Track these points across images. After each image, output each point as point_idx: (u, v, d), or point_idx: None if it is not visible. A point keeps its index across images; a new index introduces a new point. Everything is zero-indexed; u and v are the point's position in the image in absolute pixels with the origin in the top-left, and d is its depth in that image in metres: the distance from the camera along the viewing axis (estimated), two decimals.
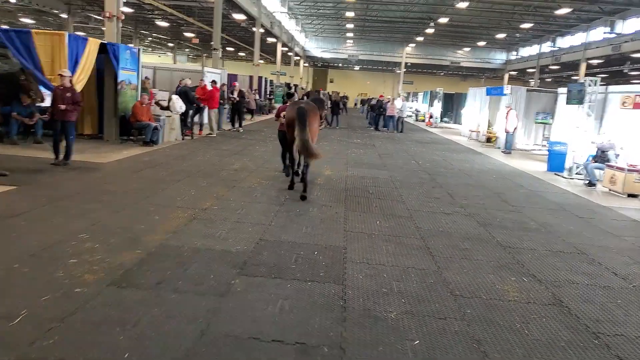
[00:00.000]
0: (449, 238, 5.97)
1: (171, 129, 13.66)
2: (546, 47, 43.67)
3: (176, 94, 14.42)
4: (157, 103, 15.26)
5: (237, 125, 18.06)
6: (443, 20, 36.82)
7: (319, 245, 5.27)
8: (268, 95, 35.28)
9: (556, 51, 41.90)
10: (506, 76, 55.06)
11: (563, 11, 30.74)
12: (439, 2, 33.73)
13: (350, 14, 38.71)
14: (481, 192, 9.38)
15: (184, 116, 14.57)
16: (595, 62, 39.05)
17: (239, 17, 30.55)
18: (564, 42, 41.08)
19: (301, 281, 4.27)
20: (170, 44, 52.66)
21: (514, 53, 53.30)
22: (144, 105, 12.22)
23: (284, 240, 5.40)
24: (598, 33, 34.77)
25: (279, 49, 40.34)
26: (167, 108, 14.04)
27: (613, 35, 32.47)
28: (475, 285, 4.47)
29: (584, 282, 4.78)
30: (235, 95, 18.13)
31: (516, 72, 55.84)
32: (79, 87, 10.32)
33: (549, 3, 30.10)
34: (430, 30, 42.55)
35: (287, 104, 8.94)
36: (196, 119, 16.19)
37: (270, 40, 40.63)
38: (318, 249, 5.16)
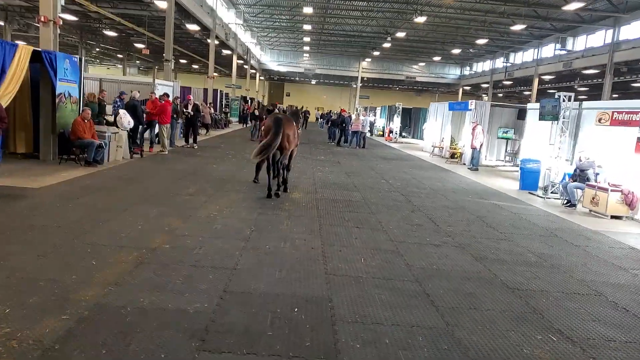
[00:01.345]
0: (447, 279, 5.10)
1: (118, 146, 12.29)
2: (499, 62, 44.62)
3: (123, 108, 13.10)
4: (102, 117, 13.90)
5: (191, 141, 16.80)
6: (400, 34, 36.89)
7: (299, 297, 4.26)
8: (224, 109, 34.02)
9: (509, 67, 42.86)
10: (460, 91, 56.12)
11: (517, 27, 31.32)
12: (396, 17, 33.69)
13: (307, 27, 38.13)
14: (462, 215, 8.65)
15: (132, 132, 13.24)
16: (547, 77, 40.19)
17: (192, 27, 29.23)
18: (517, 58, 42.12)
19: (283, 358, 3.25)
20: (120, 55, 50.30)
21: (468, 68, 54.36)
22: (87, 120, 10.85)
23: (255, 290, 4.35)
24: (550, 49, 35.75)
25: (235, 61, 39.18)
26: (114, 123, 12.70)
27: (564, 52, 33.43)
28: (499, 351, 3.58)
29: (620, 338, 4.01)
30: (190, 109, 16.89)
31: (470, 87, 56.97)
32: (5, 101, 8.91)
33: (504, 19, 30.55)
34: (386, 45, 42.62)
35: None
36: (146, 134, 14.85)
37: (226, 52, 39.41)
38: (298, 302, 4.15)
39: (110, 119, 13.42)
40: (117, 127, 12.44)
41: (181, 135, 17.32)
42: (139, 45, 37.77)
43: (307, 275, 4.83)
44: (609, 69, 29.29)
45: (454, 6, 28.96)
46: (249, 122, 26.71)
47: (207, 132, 23.13)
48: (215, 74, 33.72)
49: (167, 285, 4.29)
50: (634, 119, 10.10)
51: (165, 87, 17.82)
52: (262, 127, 9.49)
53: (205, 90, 31.11)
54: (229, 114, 34.55)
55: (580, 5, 25.03)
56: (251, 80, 50.14)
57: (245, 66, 46.14)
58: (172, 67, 23.78)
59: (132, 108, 13.47)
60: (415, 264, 5.50)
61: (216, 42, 31.85)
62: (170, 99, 15.46)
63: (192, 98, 17.96)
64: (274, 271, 4.88)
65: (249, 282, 4.54)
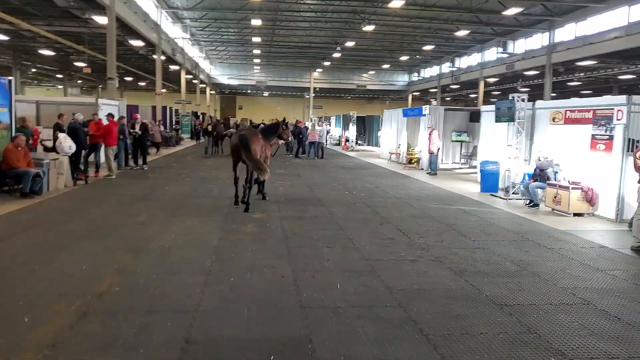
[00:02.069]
0: (431, 300, 4.71)
1: (59, 174, 11.31)
2: (446, 67, 45.73)
3: (63, 132, 12.15)
4: (41, 143, 12.84)
5: (140, 162, 15.89)
6: (349, 44, 37.06)
7: (274, 341, 3.73)
8: (174, 126, 32.92)
9: (455, 71, 43.96)
10: (410, 97, 57.13)
11: (461, 33, 32.12)
12: (345, 27, 33.79)
13: (256, 40, 37.65)
14: (432, 225, 8.37)
15: (75, 157, 12.28)
16: (491, 80, 41.45)
17: (136, 43, 28.14)
18: (462, 62, 43.26)
19: None
20: (60, 75, 47.92)
21: (416, 74, 55.47)
22: (20, 148, 9.88)
23: (222, 337, 3.79)
24: (492, 53, 36.88)
25: (183, 76, 38.13)
26: (54, 149, 11.72)
27: (506, 55, 34.57)
28: None
29: (623, 353, 3.71)
30: (138, 128, 15.98)
31: (419, 93, 58.12)
32: None
33: (448, 25, 31.25)
34: (336, 55, 42.77)
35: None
36: (91, 158, 13.87)
37: (173, 67, 38.29)
38: (274, 348, 3.62)
39: (49, 144, 12.40)
40: (57, 152, 11.50)
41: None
42: (80, 64, 36.05)
43: (280, 311, 4.31)
44: (548, 69, 30.49)
45: (400, 14, 29.30)
46: (202, 138, 25.80)
47: (157, 152, 22.13)
48: (163, 90, 32.65)
49: (117, 341, 3.64)
50: (586, 117, 10.20)
51: (109, 106, 16.84)
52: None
53: (154, 107, 29.97)
54: (180, 130, 33.46)
55: (518, 10, 25.90)
56: (201, 95, 49.06)
57: (195, 81, 45.07)
58: (117, 86, 22.65)
59: (73, 131, 12.53)
60: (395, 286, 5.09)
61: (163, 57, 30.84)
62: (116, 118, 14.56)
63: (139, 117, 17.04)
64: (242, 309, 4.32)
65: (214, 326, 3.97)
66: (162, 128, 25.78)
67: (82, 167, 12.81)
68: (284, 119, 10.84)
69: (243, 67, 54.04)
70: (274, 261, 5.83)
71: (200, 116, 39.90)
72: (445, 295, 4.86)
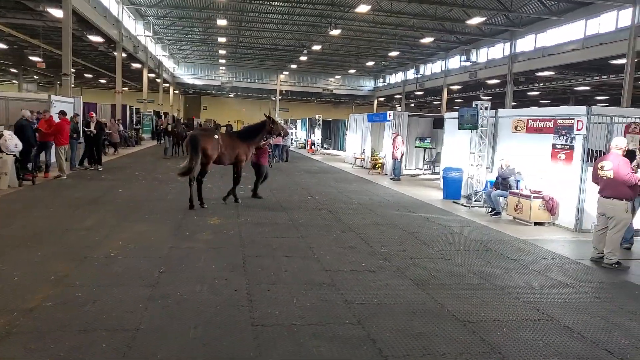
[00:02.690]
0: (391, 316, 4.48)
1: (2, 173, 10.59)
2: (411, 74, 46.26)
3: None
4: None
5: (94, 162, 15.16)
6: (316, 47, 36.93)
7: None
8: (135, 126, 31.91)
9: (420, 78, 44.58)
10: (375, 102, 57.54)
11: (426, 40, 32.49)
12: (311, 30, 33.63)
13: (222, 40, 36.98)
14: (395, 233, 8.19)
15: (22, 156, 11.54)
16: (455, 87, 42.18)
17: (95, 39, 27.02)
18: (427, 69, 43.88)
19: None
20: (14, 70, 45.73)
21: (382, 80, 55.93)
22: None
23: None
24: (456, 61, 37.58)
25: (145, 75, 37.01)
26: None
27: (469, 64, 35.27)
28: None
29: None
30: (93, 127, 15.23)
31: (384, 98, 58.61)
32: None
33: (414, 32, 31.56)
34: (303, 58, 42.55)
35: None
36: (41, 157, 13.10)
37: (135, 65, 37.13)
38: None
39: None
40: (1, 151, 10.75)
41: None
42: (35, 59, 34.44)
43: (230, 330, 3.97)
44: (509, 78, 31.24)
45: (366, 19, 29.38)
46: (162, 138, 25.02)
47: (115, 152, 21.29)
48: (124, 88, 31.52)
49: None
50: (548, 126, 10.29)
51: (63, 103, 15.99)
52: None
53: (114, 106, 28.93)
54: (141, 130, 32.44)
55: (482, 20, 26.41)
56: (165, 95, 47.81)
57: (158, 80, 43.87)
58: (72, 82, 21.65)
59: (20, 129, 11.78)
60: (355, 300, 4.84)
61: (124, 55, 29.79)
62: (70, 116, 13.81)
63: (95, 115, 16.27)
64: (188, 328, 3.96)
65: (155, 347, 3.60)
66: (121, 127, 24.87)
67: (29, 167, 12.05)
68: (269, 116, 10.61)
69: (208, 67, 53.12)
70: (227, 273, 5.48)
71: (163, 116, 38.87)
72: (407, 311, 4.64)
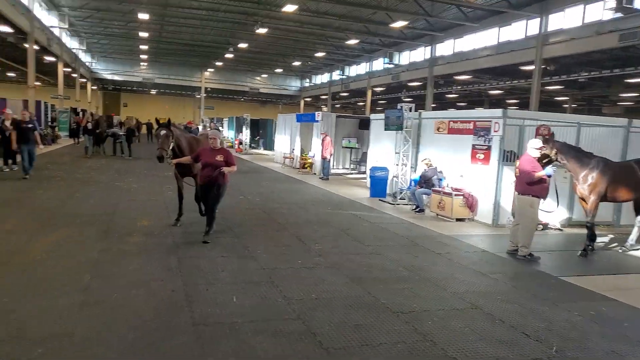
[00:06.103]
0: (330, 310, 4.65)
1: None
2: (336, 75, 47.12)
3: None
4: None
5: (10, 162, 14.12)
6: (242, 45, 36.55)
7: None
8: (50, 123, 29.82)
9: (345, 79, 45.58)
10: (302, 102, 57.99)
11: (351, 42, 33.33)
12: (237, 28, 33.22)
13: (143, 34, 35.45)
14: (327, 230, 8.41)
15: None
16: (378, 89, 43.57)
17: (3, 29, 24.87)
18: (352, 71, 44.95)
19: None
20: None
21: (308, 80, 56.46)
22: None
23: None
24: (380, 63, 38.80)
25: (60, 69, 34.63)
26: None
27: (392, 66, 36.59)
28: None
29: (508, 356, 3.95)
30: (9, 124, 14.05)
31: (311, 99, 59.21)
32: None
33: (339, 33, 32.25)
34: (229, 56, 41.93)
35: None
36: None
37: (49, 59, 34.55)
38: None
39: None
40: None
41: None
42: None
43: (170, 331, 3.94)
44: (430, 81, 32.89)
45: (293, 19, 29.56)
46: (82, 136, 23.64)
47: None
48: (37, 83, 29.30)
49: None
50: (467, 128, 11.01)
51: None
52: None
53: (26, 101, 26.80)
54: (57, 128, 30.39)
55: (404, 23, 27.59)
56: (82, 90, 45.01)
57: (74, 75, 41.19)
58: None
59: None
60: (293, 296, 4.96)
61: (36, 47, 27.63)
62: None
63: (9, 112, 15.02)
64: (125, 333, 3.87)
65: (89, 356, 3.48)
66: (36, 125, 23.11)
67: None
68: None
69: (129, 62, 50.71)
70: (163, 274, 5.39)
71: (81, 113, 36.60)
72: (344, 305, 4.83)
